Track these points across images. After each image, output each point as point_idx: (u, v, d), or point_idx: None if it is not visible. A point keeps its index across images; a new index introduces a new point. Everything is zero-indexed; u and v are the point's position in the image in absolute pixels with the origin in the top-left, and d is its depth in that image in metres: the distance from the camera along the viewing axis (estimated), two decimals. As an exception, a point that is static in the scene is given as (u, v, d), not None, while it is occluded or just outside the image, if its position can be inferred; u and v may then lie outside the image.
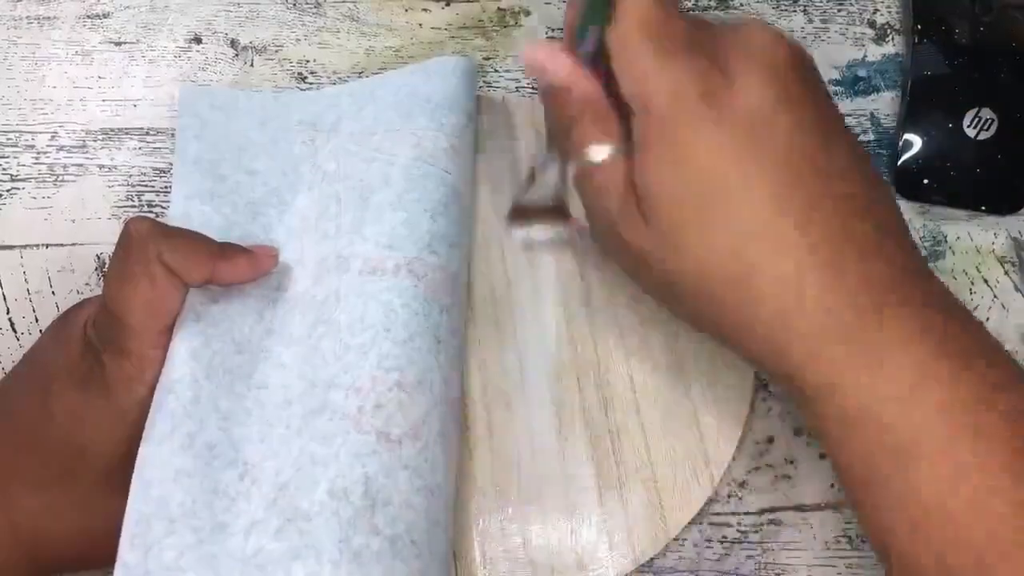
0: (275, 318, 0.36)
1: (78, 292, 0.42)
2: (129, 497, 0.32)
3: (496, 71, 0.46)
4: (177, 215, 0.39)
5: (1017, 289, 0.43)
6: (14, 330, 0.41)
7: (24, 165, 0.44)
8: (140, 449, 0.32)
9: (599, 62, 0.33)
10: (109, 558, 0.33)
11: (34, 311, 0.41)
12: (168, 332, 0.34)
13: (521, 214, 0.39)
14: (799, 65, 0.31)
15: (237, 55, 0.46)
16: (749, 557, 0.38)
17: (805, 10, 0.47)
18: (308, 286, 0.37)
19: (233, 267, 0.35)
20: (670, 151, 0.30)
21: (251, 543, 0.32)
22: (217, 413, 0.34)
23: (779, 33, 0.31)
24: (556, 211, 0.37)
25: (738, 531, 0.39)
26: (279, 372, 0.35)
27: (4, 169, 0.44)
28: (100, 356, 0.33)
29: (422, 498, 0.34)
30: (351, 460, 0.33)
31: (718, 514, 0.39)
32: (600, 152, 0.32)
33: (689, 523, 0.38)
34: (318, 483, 0.33)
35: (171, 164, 0.44)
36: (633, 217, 0.31)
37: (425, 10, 0.47)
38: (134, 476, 0.32)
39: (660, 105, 0.30)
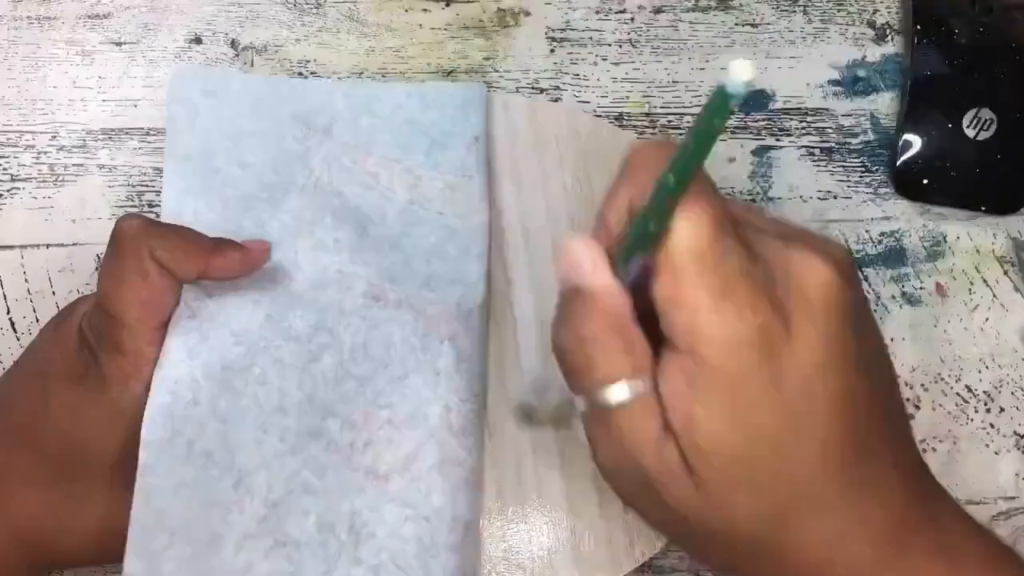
0: (273, 307, 0.36)
1: (78, 292, 0.42)
2: (132, 505, 0.32)
3: (496, 71, 0.46)
4: (169, 212, 0.39)
5: (1017, 289, 0.43)
6: (14, 330, 0.41)
7: (24, 165, 0.44)
8: (140, 454, 0.33)
9: (637, 292, 0.29)
10: (107, 555, 0.34)
11: (34, 311, 0.41)
12: (163, 329, 0.34)
13: (528, 415, 0.38)
14: (853, 305, 0.28)
15: (237, 55, 0.46)
16: (749, 557, 0.38)
17: (805, 10, 0.47)
18: (307, 288, 0.37)
19: (226, 262, 0.35)
20: (725, 406, 0.27)
21: (242, 557, 0.33)
22: (215, 415, 0.34)
23: (835, 262, 0.28)
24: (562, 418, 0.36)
25: (738, 531, 0.39)
26: (277, 368, 0.35)
27: (4, 169, 0.44)
28: (96, 354, 0.33)
29: (412, 526, 0.34)
30: (339, 495, 0.34)
31: (718, 514, 0.39)
32: (626, 390, 0.28)
33: (689, 523, 0.38)
34: (308, 513, 0.34)
35: (171, 164, 0.44)
36: (676, 472, 0.28)
37: (425, 10, 0.47)
38: (136, 483, 0.32)
39: (714, 352, 0.27)
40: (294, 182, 0.40)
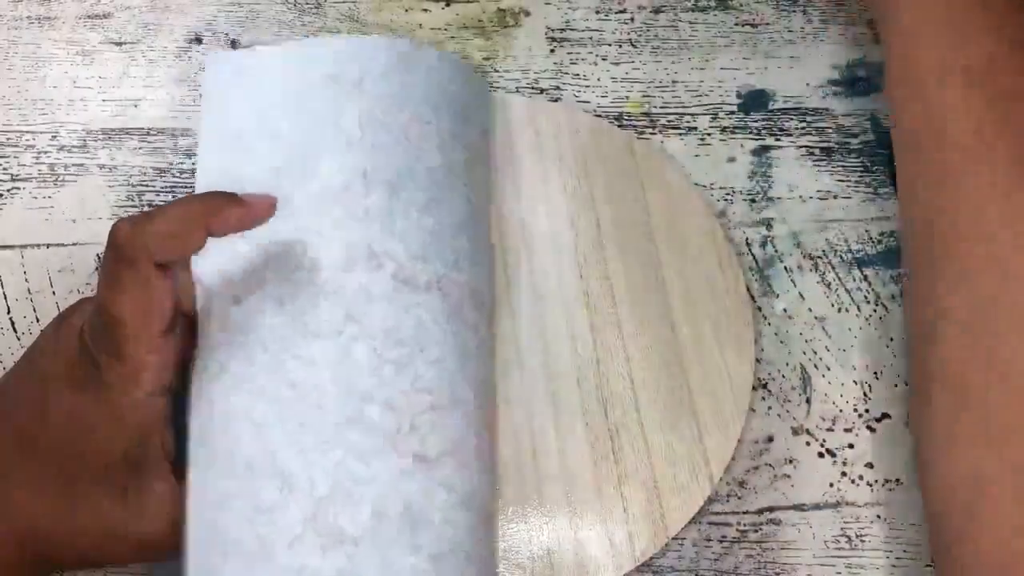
0: (297, 306, 0.36)
1: (79, 292, 0.42)
2: (187, 523, 0.33)
3: (496, 71, 0.46)
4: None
5: (1017, 289, 0.43)
6: (14, 330, 0.41)
7: (25, 165, 0.44)
8: (188, 472, 0.33)
9: None
10: (107, 558, 0.34)
11: (35, 311, 0.42)
12: (164, 335, 0.34)
13: None
14: None
15: (237, 55, 0.46)
16: (748, 556, 0.38)
17: (805, 10, 0.47)
18: (335, 272, 0.36)
19: (223, 224, 0.34)
20: None
21: (296, 559, 0.32)
22: (250, 423, 0.34)
23: None
24: None
25: (737, 531, 0.39)
26: (309, 370, 0.35)
27: (5, 169, 0.44)
28: (96, 359, 0.33)
29: (461, 512, 0.34)
30: (391, 480, 0.34)
31: (717, 513, 0.39)
32: None
33: (688, 522, 0.38)
34: (360, 503, 0.33)
35: (171, 164, 0.44)
36: None
37: (425, 10, 0.47)
38: (188, 501, 0.33)
39: None
40: (325, 145, 0.38)
